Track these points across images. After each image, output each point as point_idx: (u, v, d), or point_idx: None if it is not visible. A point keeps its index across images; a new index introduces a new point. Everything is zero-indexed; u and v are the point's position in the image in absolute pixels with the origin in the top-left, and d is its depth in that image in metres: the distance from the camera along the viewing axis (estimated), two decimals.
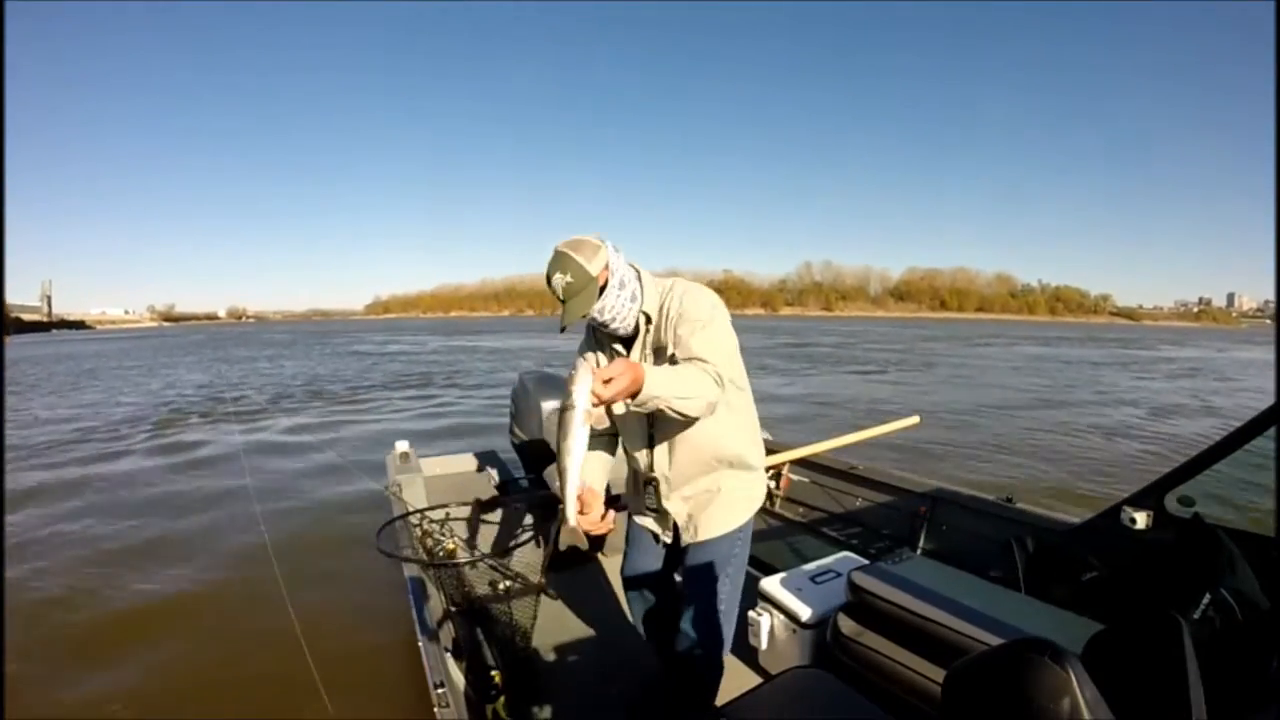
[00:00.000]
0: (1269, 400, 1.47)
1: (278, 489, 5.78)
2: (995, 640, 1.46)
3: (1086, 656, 0.95)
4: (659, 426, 1.48)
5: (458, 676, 1.78)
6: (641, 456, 1.55)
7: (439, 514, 2.29)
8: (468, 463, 3.34)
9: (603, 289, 1.33)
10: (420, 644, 1.66)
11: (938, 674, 1.59)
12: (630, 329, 1.42)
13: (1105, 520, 1.94)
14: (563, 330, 1.34)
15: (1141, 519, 1.83)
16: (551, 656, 2.22)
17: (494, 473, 3.23)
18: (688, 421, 1.30)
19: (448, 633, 1.89)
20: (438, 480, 3.06)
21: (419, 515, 2.25)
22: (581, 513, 1.26)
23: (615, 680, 2.08)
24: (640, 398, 1.12)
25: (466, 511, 2.36)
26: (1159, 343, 41.07)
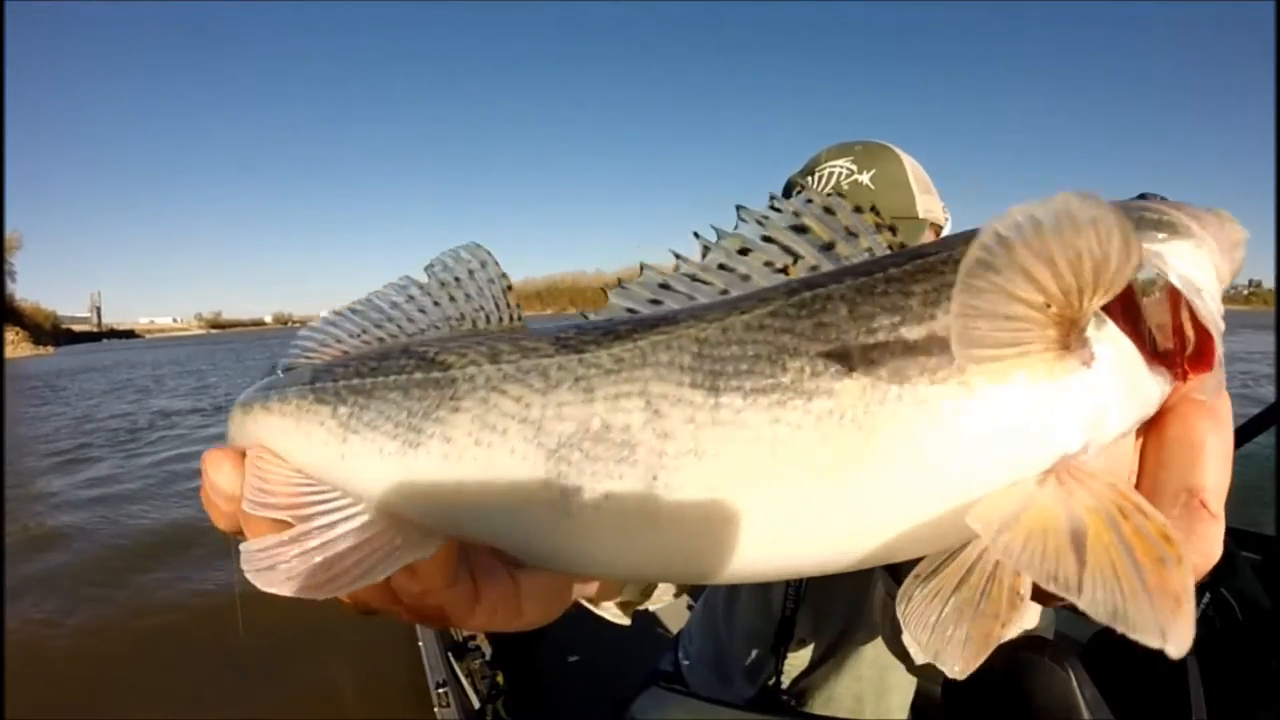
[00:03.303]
0: None
1: None
2: None
3: (1086, 656, 0.95)
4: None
5: (458, 676, 1.78)
6: (758, 599, 0.89)
7: None
8: None
9: None
10: (420, 644, 1.66)
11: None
12: None
13: None
14: None
15: None
16: (552, 656, 2.22)
17: None
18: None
19: (448, 632, 1.89)
20: None
21: None
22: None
23: (615, 680, 2.08)
24: None
25: None
26: None
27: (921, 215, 0.70)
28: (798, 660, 0.88)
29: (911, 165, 0.73)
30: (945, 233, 0.73)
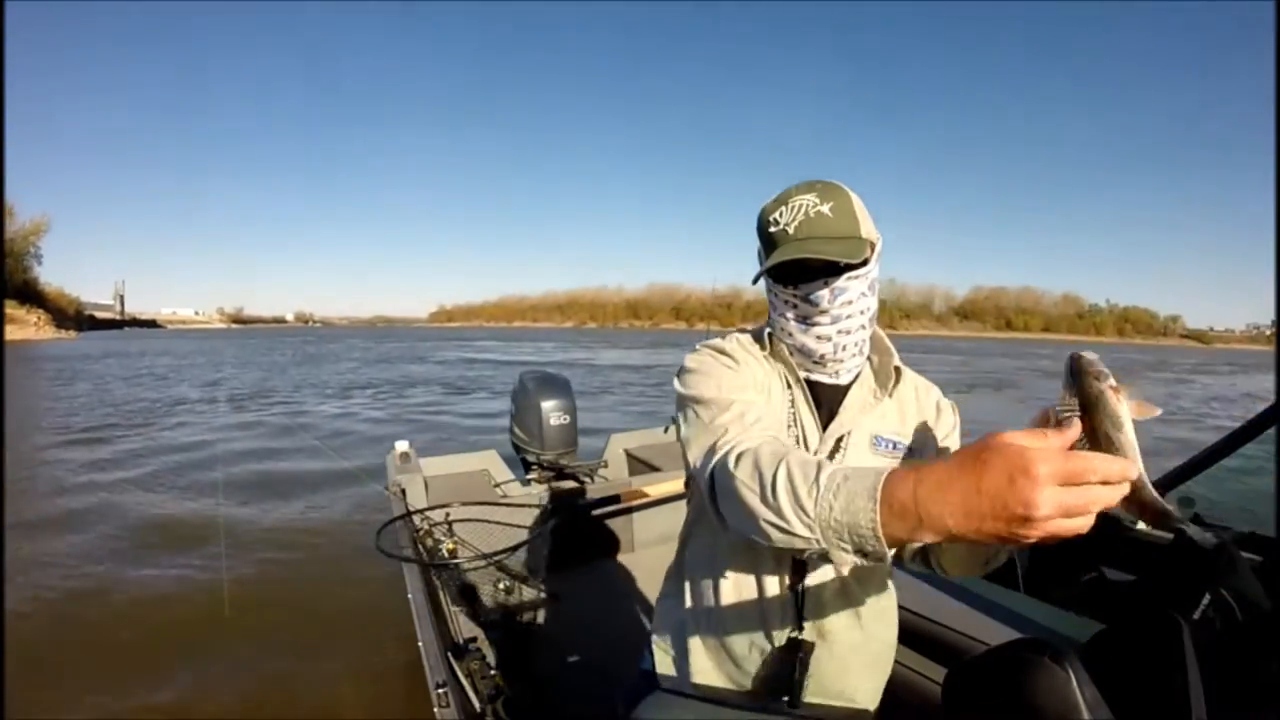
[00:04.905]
0: None
1: (278, 488, 5.79)
2: (995, 640, 1.46)
3: (1086, 656, 0.95)
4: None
5: (458, 676, 1.78)
6: (772, 593, 0.96)
7: (439, 514, 2.29)
8: (468, 463, 3.34)
9: (856, 268, 0.89)
10: (420, 644, 1.66)
11: (938, 674, 1.59)
12: (852, 374, 0.99)
13: (1105, 520, 1.94)
14: (756, 281, 0.94)
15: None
16: (552, 657, 2.22)
17: (494, 473, 3.23)
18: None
19: (448, 633, 1.89)
20: (438, 480, 3.06)
21: (419, 515, 2.25)
22: None
23: (616, 681, 2.08)
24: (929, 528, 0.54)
25: (467, 511, 2.36)
26: None
27: (864, 236, 0.91)
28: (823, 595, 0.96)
29: (855, 199, 0.93)
30: (879, 249, 0.94)
